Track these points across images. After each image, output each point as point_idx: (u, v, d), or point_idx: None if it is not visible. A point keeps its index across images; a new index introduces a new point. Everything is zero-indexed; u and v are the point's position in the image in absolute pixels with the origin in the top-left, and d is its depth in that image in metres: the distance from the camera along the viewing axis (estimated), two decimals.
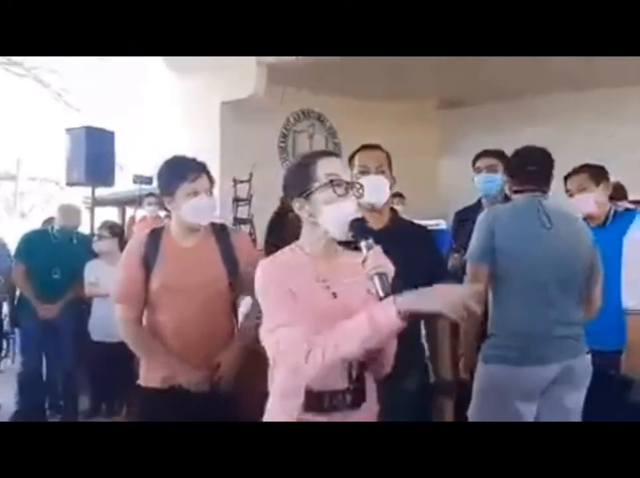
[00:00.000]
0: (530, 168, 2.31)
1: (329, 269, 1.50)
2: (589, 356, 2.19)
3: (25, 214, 10.98)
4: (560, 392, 2.11)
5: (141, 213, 6.19)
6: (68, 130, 5.38)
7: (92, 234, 5.00)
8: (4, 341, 5.60)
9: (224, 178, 6.51)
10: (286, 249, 1.54)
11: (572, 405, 2.12)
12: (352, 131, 6.54)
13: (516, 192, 2.31)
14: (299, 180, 1.52)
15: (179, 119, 6.55)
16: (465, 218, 2.79)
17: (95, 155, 5.15)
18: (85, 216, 5.47)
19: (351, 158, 2.13)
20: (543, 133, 6.88)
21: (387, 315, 1.31)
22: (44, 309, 4.15)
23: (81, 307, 4.40)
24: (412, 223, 2.24)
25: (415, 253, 1.97)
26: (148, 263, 2.09)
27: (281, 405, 1.49)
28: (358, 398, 1.49)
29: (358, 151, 2.13)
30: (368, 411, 1.51)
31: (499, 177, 2.74)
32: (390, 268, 1.41)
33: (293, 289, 1.45)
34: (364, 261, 1.41)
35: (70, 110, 8.83)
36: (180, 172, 2.09)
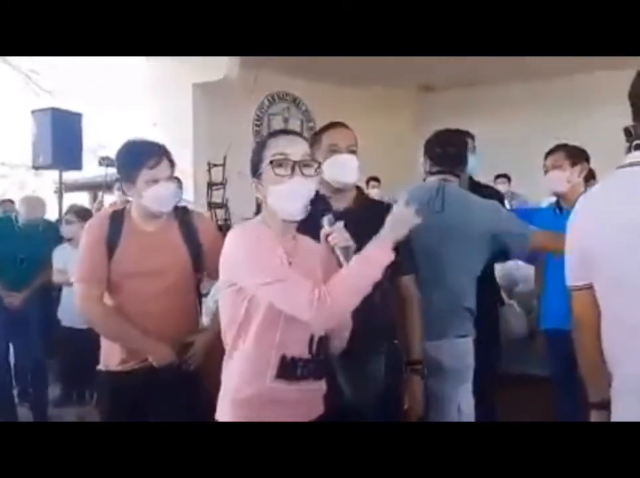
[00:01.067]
0: (438, 150, 2.37)
1: (291, 248, 1.53)
2: (458, 340, 2.24)
3: None
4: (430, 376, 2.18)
5: (110, 198, 6.08)
6: (34, 112, 5.25)
7: (60, 219, 4.90)
8: None
9: (198, 161, 6.43)
10: (254, 220, 1.59)
11: (438, 391, 2.17)
12: (327, 115, 6.49)
13: (430, 174, 2.39)
14: (253, 161, 1.55)
15: (150, 101, 6.43)
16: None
17: (61, 137, 5.02)
18: (53, 200, 5.37)
19: (317, 136, 2.08)
20: (516, 119, 6.92)
21: (384, 251, 1.44)
22: (9, 296, 4.06)
23: (51, 294, 4.32)
24: (378, 201, 2.19)
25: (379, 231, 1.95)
26: (110, 244, 2.05)
27: (250, 373, 1.48)
28: (319, 370, 1.55)
29: (326, 129, 2.08)
30: (321, 389, 1.57)
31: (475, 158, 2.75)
32: (352, 242, 1.48)
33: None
34: (327, 235, 1.48)
35: (40, 93, 8.63)
36: (139, 158, 2.02)
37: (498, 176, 6.07)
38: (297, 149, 1.52)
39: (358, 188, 2.13)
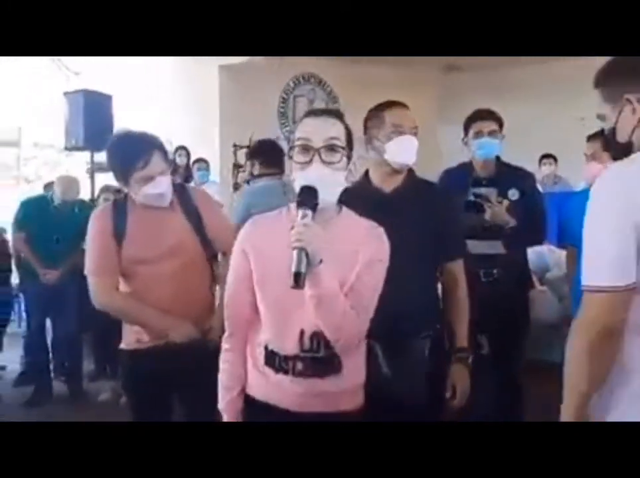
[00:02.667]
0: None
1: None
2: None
3: (30, 180, 11.03)
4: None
5: None
6: (66, 94, 5.34)
7: (92, 199, 5.02)
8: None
9: (224, 143, 6.50)
10: (283, 209, 1.55)
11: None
12: (352, 96, 6.49)
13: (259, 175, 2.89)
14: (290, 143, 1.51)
15: (177, 83, 6.50)
16: (453, 178, 2.85)
17: (93, 118, 5.11)
18: (85, 181, 5.49)
19: (378, 113, 2.02)
20: (539, 100, 6.82)
21: None
22: (45, 274, 4.18)
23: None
24: (428, 183, 2.17)
25: (428, 214, 1.95)
26: (117, 232, 2.04)
27: (256, 353, 1.54)
28: (314, 367, 1.46)
29: (388, 107, 2.02)
30: (338, 384, 1.48)
31: (498, 142, 2.75)
32: (314, 246, 1.32)
33: (261, 250, 1.48)
34: (291, 229, 1.35)
35: (69, 74, 8.74)
36: (128, 159, 1.97)
37: (543, 157, 5.78)
38: (322, 133, 1.43)
39: (409, 169, 2.09)
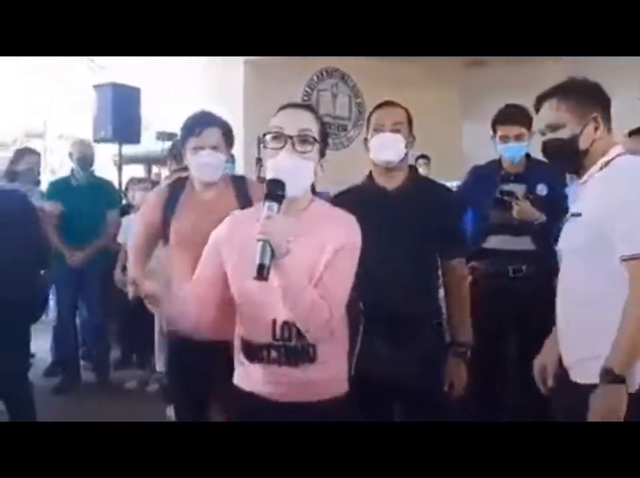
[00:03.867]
0: None
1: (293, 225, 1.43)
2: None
3: (55, 170, 11.23)
4: None
5: (166, 171, 6.26)
6: (95, 87, 5.42)
7: (120, 191, 5.10)
8: None
9: (248, 137, 6.54)
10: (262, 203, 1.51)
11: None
12: (375, 90, 6.49)
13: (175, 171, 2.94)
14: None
15: (202, 77, 6.55)
16: (482, 175, 2.85)
17: (121, 111, 5.18)
18: (113, 173, 5.58)
19: (369, 116, 2.12)
20: None
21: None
22: (71, 255, 4.16)
23: (112, 257, 4.29)
24: (431, 182, 2.21)
25: (429, 213, 1.99)
26: (167, 212, 2.11)
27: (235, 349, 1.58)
28: (287, 356, 1.48)
29: (375, 109, 2.11)
30: (314, 373, 1.49)
31: (525, 144, 2.74)
32: (278, 238, 1.32)
33: (233, 242, 1.50)
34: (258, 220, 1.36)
35: (94, 67, 8.84)
36: (189, 126, 2.08)
37: None
38: (295, 123, 1.45)
39: (411, 167, 2.14)
